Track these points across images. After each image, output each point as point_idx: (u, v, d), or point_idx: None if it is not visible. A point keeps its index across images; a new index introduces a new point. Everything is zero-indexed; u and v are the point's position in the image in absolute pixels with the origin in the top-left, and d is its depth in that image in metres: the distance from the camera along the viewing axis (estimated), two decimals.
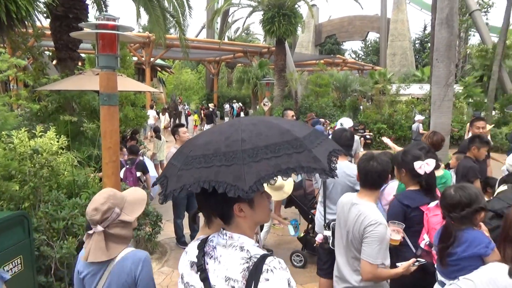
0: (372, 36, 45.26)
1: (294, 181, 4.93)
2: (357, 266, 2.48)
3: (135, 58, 18.63)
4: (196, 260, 1.40)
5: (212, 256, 1.37)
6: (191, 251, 1.45)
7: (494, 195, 3.24)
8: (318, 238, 3.35)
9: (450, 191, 2.29)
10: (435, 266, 2.41)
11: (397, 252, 2.70)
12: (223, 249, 1.35)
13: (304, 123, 9.45)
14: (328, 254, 3.24)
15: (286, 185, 4.72)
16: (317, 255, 3.92)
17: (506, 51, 17.69)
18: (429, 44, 29.49)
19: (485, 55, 18.94)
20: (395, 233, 2.61)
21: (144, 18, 10.98)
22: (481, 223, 2.33)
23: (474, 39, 31.29)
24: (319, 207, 3.72)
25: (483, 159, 4.79)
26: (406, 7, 34.86)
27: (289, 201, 5.20)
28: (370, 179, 2.49)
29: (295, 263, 4.93)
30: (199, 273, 1.37)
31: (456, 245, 2.19)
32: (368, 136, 14.95)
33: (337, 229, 2.70)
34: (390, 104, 16.63)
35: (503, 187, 3.15)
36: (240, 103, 26.27)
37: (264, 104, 14.92)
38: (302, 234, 5.03)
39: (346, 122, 6.41)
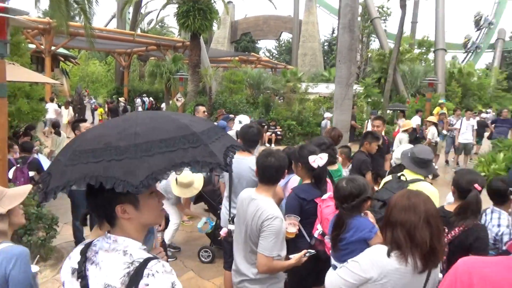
0: (286, 36, 47.04)
1: (204, 177, 4.92)
2: (254, 259, 2.53)
3: (32, 46, 16.92)
4: (77, 266, 1.31)
5: (93, 262, 1.29)
6: (74, 256, 1.35)
7: (381, 185, 3.61)
8: (223, 232, 3.41)
9: (342, 184, 2.47)
10: (329, 253, 2.61)
11: (294, 243, 2.83)
12: (105, 254, 1.28)
13: (207, 119, 9.50)
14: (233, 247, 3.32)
15: (196, 181, 4.70)
16: (223, 249, 3.98)
17: (400, 56, 19.79)
18: (336, 46, 31.57)
19: (383, 59, 21.02)
20: (292, 226, 2.74)
21: (44, 2, 10.06)
22: (368, 211, 2.57)
23: (375, 44, 34.26)
24: (225, 202, 3.76)
25: (379, 153, 5.33)
26: (316, 10, 36.85)
27: (198, 197, 5.19)
28: (268, 175, 2.56)
29: (203, 259, 4.92)
30: (79, 280, 1.29)
31: (346, 231, 2.39)
32: (278, 132, 15.54)
33: (236, 224, 2.75)
34: (299, 102, 17.43)
35: (389, 178, 3.52)
36: (151, 98, 25.38)
37: (177, 100, 14.63)
38: (209, 230, 5.05)
39: (244, 120, 6.68)
